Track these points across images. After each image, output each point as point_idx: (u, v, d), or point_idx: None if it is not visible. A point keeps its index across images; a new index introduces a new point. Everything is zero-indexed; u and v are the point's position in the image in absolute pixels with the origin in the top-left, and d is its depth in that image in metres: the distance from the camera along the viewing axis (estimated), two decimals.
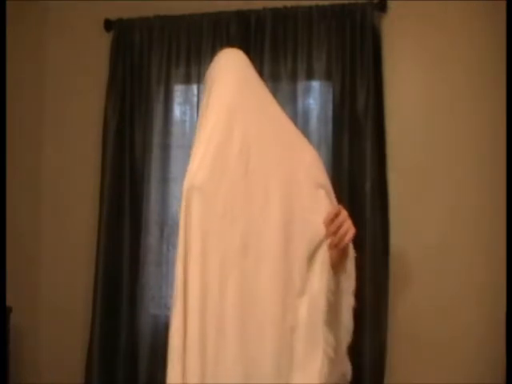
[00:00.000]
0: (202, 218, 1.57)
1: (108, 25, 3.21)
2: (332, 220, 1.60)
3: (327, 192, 1.74)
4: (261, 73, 2.93)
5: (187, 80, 3.07)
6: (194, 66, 3.05)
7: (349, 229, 1.59)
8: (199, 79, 3.01)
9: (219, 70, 1.78)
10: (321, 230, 1.61)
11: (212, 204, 1.58)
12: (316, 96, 2.95)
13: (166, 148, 3.07)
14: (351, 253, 1.71)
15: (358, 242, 2.72)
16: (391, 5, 2.86)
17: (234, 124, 1.65)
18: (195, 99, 3.04)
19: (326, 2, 2.88)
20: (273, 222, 1.60)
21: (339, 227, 1.59)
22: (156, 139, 3.07)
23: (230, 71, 1.77)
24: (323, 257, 1.61)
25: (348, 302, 1.71)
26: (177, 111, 3.14)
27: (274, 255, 1.58)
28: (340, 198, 2.77)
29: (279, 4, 2.92)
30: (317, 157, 1.82)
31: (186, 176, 1.61)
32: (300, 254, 1.60)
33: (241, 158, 1.62)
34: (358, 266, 1.77)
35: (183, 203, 1.59)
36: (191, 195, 1.58)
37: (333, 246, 1.59)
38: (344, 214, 1.62)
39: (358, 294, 2.71)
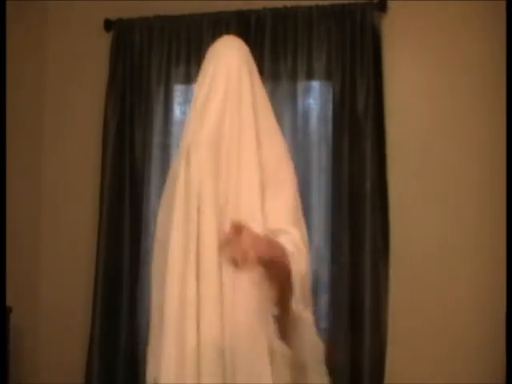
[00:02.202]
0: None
1: (108, 25, 3.20)
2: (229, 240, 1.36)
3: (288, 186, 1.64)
4: (260, 72, 2.94)
5: (187, 80, 3.08)
6: (194, 66, 3.05)
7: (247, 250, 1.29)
8: None
9: (223, 47, 1.81)
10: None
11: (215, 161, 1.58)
12: (316, 96, 2.95)
13: (165, 148, 3.07)
14: (297, 294, 1.45)
15: (358, 241, 2.77)
16: (391, 5, 2.86)
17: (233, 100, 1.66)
18: None
19: (326, 2, 2.88)
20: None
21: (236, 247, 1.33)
22: (156, 139, 3.08)
23: (233, 50, 1.78)
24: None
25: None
26: (177, 111, 3.14)
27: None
28: (340, 198, 2.81)
29: (279, 4, 2.93)
30: (285, 154, 1.72)
31: (192, 134, 1.62)
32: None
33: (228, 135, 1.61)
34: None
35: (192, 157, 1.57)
36: (202, 149, 1.58)
37: (235, 264, 1.34)
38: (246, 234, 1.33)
39: (358, 294, 2.75)
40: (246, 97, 1.69)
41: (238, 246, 1.30)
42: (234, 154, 1.60)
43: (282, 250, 1.43)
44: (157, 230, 1.82)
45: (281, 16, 2.92)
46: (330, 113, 2.89)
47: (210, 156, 1.59)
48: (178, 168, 1.63)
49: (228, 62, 1.73)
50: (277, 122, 1.78)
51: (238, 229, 1.32)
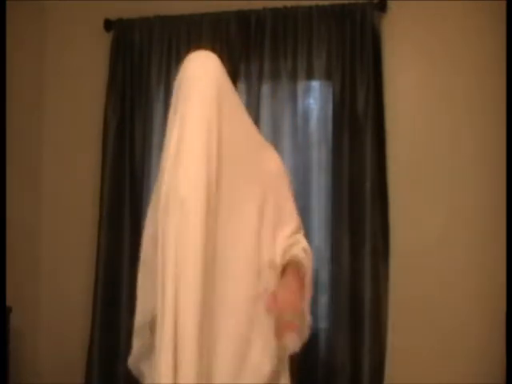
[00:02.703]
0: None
1: (108, 25, 3.20)
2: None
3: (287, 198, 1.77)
4: (261, 72, 2.94)
5: None
6: None
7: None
8: None
9: (193, 77, 1.61)
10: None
11: (198, 215, 1.52)
12: (316, 96, 2.95)
13: None
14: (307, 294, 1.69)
15: (358, 241, 2.77)
16: (391, 5, 2.86)
17: (211, 136, 1.56)
18: None
19: (326, 2, 2.88)
20: (248, 233, 1.61)
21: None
22: (156, 139, 3.07)
23: (206, 80, 1.60)
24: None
25: None
26: None
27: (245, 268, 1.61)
28: (340, 198, 2.81)
29: (279, 4, 2.92)
30: (281, 164, 1.80)
31: (169, 187, 1.54)
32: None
33: (219, 169, 1.56)
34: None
35: (172, 213, 1.52)
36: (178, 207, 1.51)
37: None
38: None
39: (359, 294, 2.75)
40: (225, 135, 1.59)
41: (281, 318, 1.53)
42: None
43: (302, 282, 1.64)
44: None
45: (281, 16, 2.92)
46: (330, 113, 2.89)
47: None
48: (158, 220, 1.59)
49: (201, 97, 1.58)
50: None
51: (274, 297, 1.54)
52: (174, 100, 1.67)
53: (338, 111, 2.85)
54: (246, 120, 1.73)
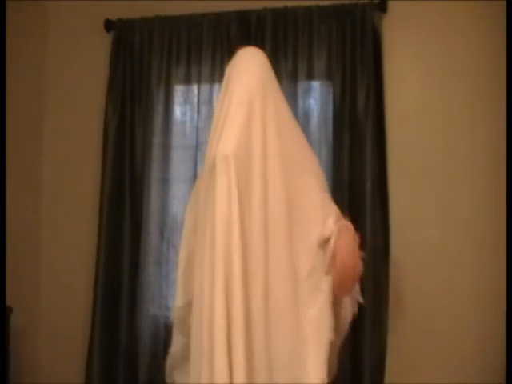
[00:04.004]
0: (237, 189, 1.63)
1: (108, 25, 3.20)
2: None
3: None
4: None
5: (187, 80, 3.07)
6: (195, 66, 3.05)
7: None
8: (199, 79, 3.01)
9: (243, 64, 1.85)
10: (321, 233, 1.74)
11: (245, 175, 1.64)
12: (316, 96, 2.95)
13: (166, 148, 3.07)
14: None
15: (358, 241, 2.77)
16: (391, 5, 2.86)
17: (254, 113, 1.73)
18: (196, 99, 3.04)
19: (326, 2, 2.88)
20: (282, 217, 1.70)
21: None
22: (156, 139, 3.07)
23: (255, 65, 1.84)
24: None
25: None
26: (177, 111, 3.14)
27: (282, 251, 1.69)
28: (340, 198, 2.81)
29: (279, 4, 2.92)
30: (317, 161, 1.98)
31: (214, 146, 1.67)
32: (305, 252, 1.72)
33: (262, 147, 1.70)
34: None
35: (215, 170, 1.62)
36: (226, 162, 1.62)
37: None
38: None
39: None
40: (269, 119, 1.76)
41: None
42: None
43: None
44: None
45: (281, 16, 2.92)
46: (330, 113, 2.89)
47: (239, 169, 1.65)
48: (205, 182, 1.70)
49: (249, 80, 1.79)
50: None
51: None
52: (224, 84, 1.85)
53: (339, 111, 2.85)
54: (289, 111, 1.95)
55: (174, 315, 1.92)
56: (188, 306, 1.78)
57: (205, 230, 1.65)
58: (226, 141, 1.66)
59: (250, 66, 1.82)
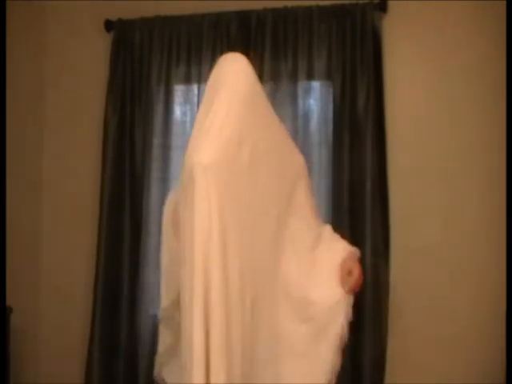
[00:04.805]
0: (220, 197, 1.62)
1: (108, 25, 3.20)
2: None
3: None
4: (261, 73, 2.94)
5: (187, 80, 3.07)
6: (195, 66, 3.05)
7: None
8: (199, 79, 3.01)
9: (229, 72, 1.84)
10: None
11: (227, 184, 1.64)
12: (316, 96, 2.95)
13: (166, 148, 3.07)
14: None
15: (358, 241, 2.77)
16: (391, 5, 2.86)
17: (243, 124, 1.73)
18: (195, 99, 3.04)
19: (326, 2, 2.88)
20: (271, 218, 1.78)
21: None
22: (156, 139, 3.08)
23: (242, 73, 1.84)
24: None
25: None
26: (177, 111, 3.14)
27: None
28: (340, 198, 2.81)
29: (279, 4, 2.92)
30: (303, 160, 2.04)
31: (191, 154, 1.66)
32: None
33: (247, 152, 1.71)
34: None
35: (192, 179, 1.61)
36: (202, 172, 1.61)
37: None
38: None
39: (358, 294, 2.74)
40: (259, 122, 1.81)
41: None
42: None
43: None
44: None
45: (281, 16, 2.92)
46: (330, 113, 2.89)
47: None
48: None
49: (235, 88, 1.80)
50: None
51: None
52: (206, 92, 1.89)
53: (339, 111, 2.85)
54: (273, 114, 1.95)
55: (161, 315, 1.98)
56: (173, 304, 1.84)
57: (184, 239, 1.65)
58: (207, 151, 1.64)
59: (236, 75, 1.82)
